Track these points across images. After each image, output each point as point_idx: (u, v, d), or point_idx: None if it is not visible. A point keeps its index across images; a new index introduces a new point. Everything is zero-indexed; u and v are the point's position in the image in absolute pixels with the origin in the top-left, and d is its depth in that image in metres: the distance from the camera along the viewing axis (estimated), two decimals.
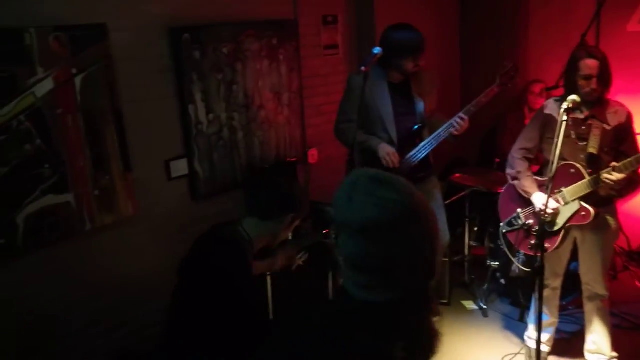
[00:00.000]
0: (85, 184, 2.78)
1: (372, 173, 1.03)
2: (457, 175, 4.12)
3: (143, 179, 3.05)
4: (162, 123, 3.14)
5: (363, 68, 2.77)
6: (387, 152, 3.14)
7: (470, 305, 3.87)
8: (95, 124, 2.79)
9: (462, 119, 3.02)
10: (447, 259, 3.75)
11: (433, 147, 3.19)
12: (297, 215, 2.34)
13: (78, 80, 2.71)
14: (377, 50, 2.86)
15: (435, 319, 1.09)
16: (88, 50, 2.71)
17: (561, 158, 2.58)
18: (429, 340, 1.04)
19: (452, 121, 3.06)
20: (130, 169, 2.96)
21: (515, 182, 2.97)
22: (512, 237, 3.04)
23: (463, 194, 3.92)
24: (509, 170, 3.02)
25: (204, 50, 3.24)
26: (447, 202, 3.64)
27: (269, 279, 3.19)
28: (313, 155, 4.12)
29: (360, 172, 1.04)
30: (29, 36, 2.51)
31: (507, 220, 3.06)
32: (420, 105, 3.23)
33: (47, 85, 2.60)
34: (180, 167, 3.23)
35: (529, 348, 3.22)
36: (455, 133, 3.06)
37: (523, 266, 3.35)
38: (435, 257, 1.03)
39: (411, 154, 3.21)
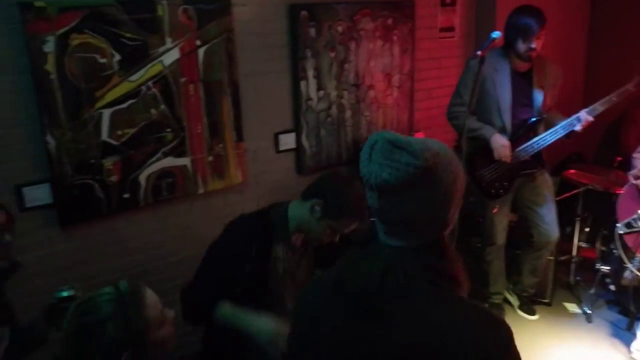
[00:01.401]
0: (201, 149, 2.97)
1: (390, 136, 1.07)
2: (572, 171, 3.89)
3: (253, 149, 3.19)
4: (274, 97, 3.25)
5: (479, 52, 2.69)
6: (501, 144, 3.04)
7: (573, 308, 3.67)
8: (213, 94, 2.96)
9: (585, 119, 2.84)
10: (552, 258, 3.57)
11: (548, 143, 3.04)
12: (324, 207, 1.94)
13: (201, 52, 2.88)
14: (496, 34, 2.75)
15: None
16: (212, 24, 2.87)
17: None
18: (451, 281, 1.09)
19: (572, 119, 2.89)
20: (242, 139, 3.11)
21: (638, 182, 2.76)
22: (629, 240, 2.85)
23: (576, 191, 3.70)
24: (632, 171, 2.81)
25: (320, 28, 3.31)
26: (558, 199, 3.46)
27: None
28: None
29: (380, 134, 1.08)
30: (161, 8, 2.70)
31: (625, 222, 2.86)
32: (540, 98, 3.08)
33: (174, 55, 2.79)
34: (288, 141, 3.35)
35: None
36: (578, 130, 2.88)
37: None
38: (448, 213, 1.09)
39: (522, 147, 3.09)
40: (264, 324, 1.86)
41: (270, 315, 1.91)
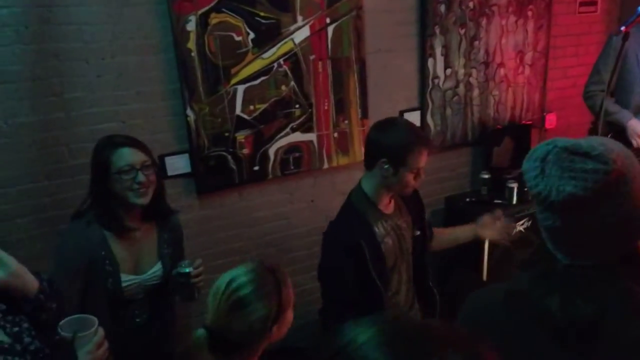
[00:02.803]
0: (327, 126, 3.03)
1: (564, 143, 0.93)
2: None
3: None
4: (401, 74, 3.22)
5: (623, 28, 2.46)
6: (638, 132, 2.80)
7: None
8: (340, 71, 2.99)
9: None
10: None
11: None
12: (390, 161, 1.93)
13: (330, 29, 2.91)
14: None
15: None
16: (342, 1, 2.89)
17: None
18: (623, 308, 0.94)
19: None
20: (367, 116, 3.12)
21: None
22: None
23: None
24: None
25: (450, 4, 3.21)
26: None
27: (486, 244, 3.14)
28: (551, 120, 3.84)
29: (551, 142, 0.95)
30: None
31: None
32: None
33: (304, 33, 2.85)
34: (413, 119, 3.29)
35: None
36: None
37: None
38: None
39: None
40: None
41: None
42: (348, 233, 2.00)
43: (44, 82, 2.39)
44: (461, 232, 2.42)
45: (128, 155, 1.86)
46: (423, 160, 1.96)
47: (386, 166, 1.94)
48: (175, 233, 2.14)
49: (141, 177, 1.86)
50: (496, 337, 1.09)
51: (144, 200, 1.90)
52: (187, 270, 1.94)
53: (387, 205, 2.10)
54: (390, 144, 1.93)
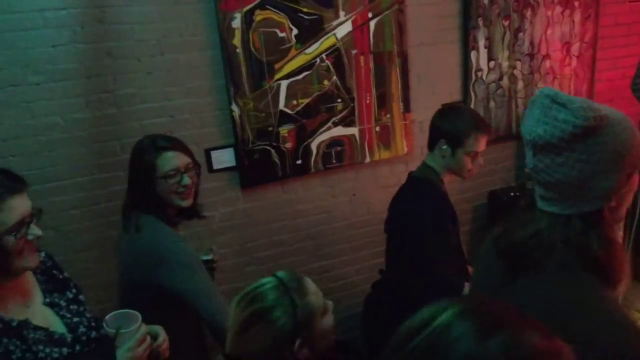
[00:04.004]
0: (369, 120, 3.05)
1: (550, 92, 1.00)
2: None
3: (420, 120, 3.20)
4: (443, 68, 3.21)
5: None
6: None
7: None
8: (382, 65, 3.01)
9: None
10: None
11: None
12: (448, 142, 2.10)
13: (372, 24, 2.93)
14: None
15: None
16: None
17: None
18: (598, 269, 0.99)
19: None
20: (409, 109, 3.13)
21: None
22: None
23: None
24: None
25: None
26: None
27: None
28: None
29: (542, 89, 1.03)
30: None
31: None
32: None
33: (346, 28, 2.88)
34: None
35: None
36: None
37: None
38: (609, 183, 0.99)
39: None
40: None
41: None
42: (435, 203, 2.13)
43: (98, 80, 2.50)
44: None
45: (173, 159, 1.84)
46: (480, 145, 2.09)
47: (444, 147, 2.11)
48: None
49: (187, 180, 1.85)
50: (479, 266, 1.25)
51: (188, 203, 1.90)
52: (210, 257, 2.06)
53: (444, 185, 2.24)
54: (450, 126, 2.10)
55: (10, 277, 1.33)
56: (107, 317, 1.43)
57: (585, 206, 1.01)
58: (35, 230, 1.32)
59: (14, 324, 1.30)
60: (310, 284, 1.32)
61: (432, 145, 2.18)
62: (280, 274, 1.31)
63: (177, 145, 1.89)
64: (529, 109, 1.03)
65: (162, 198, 1.86)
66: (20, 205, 1.28)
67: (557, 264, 1.00)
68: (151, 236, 1.83)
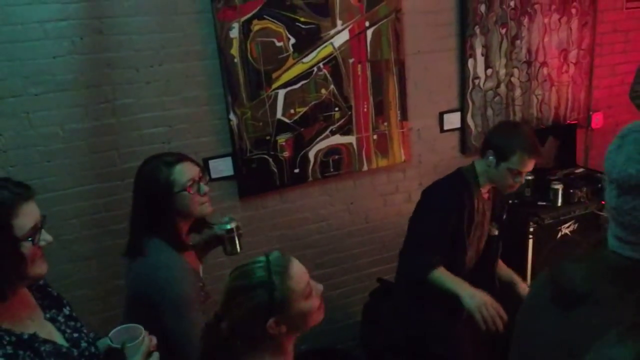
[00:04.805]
0: (367, 128, 3.06)
1: None
2: None
3: (417, 128, 3.21)
4: (440, 76, 3.22)
5: None
6: None
7: None
8: (380, 73, 3.02)
9: None
10: None
11: None
12: (495, 153, 2.17)
13: (369, 33, 2.95)
14: None
15: None
16: (382, 4, 2.92)
17: None
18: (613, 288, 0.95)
19: None
20: (406, 118, 3.14)
21: None
22: None
23: None
24: None
25: (490, 3, 3.19)
26: None
27: (530, 242, 3.11)
28: (597, 119, 3.75)
29: (634, 124, 0.97)
30: None
31: None
32: None
33: (343, 37, 2.90)
34: (453, 120, 3.31)
35: None
36: None
37: None
38: None
39: None
40: (472, 290, 2.01)
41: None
42: (455, 191, 2.24)
43: (97, 90, 2.52)
44: (505, 273, 2.54)
45: (187, 170, 1.82)
46: (525, 165, 2.14)
47: (490, 157, 2.18)
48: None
49: (205, 188, 1.85)
50: (529, 303, 1.15)
51: (211, 209, 1.90)
52: (233, 225, 2.06)
53: (486, 192, 2.33)
54: (500, 140, 2.18)
55: (22, 286, 1.33)
56: (111, 333, 1.45)
57: None
58: (46, 236, 1.32)
59: (25, 337, 1.29)
60: (294, 268, 1.40)
61: (482, 152, 2.26)
62: (272, 255, 1.42)
63: (183, 157, 1.88)
64: (618, 145, 0.96)
65: (182, 212, 1.83)
66: (33, 210, 1.29)
67: (616, 312, 0.94)
68: (155, 262, 1.79)
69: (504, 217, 2.52)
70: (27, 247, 1.26)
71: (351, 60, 2.94)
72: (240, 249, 2.10)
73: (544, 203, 3.24)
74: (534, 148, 2.15)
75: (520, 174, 2.17)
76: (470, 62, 3.24)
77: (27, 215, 1.27)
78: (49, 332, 1.39)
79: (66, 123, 2.50)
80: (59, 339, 1.40)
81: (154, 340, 1.51)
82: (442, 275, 2.10)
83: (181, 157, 1.86)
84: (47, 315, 1.43)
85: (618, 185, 0.95)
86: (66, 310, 1.49)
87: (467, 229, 2.25)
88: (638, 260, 0.97)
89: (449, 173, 2.38)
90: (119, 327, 1.47)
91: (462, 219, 2.22)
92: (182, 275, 1.80)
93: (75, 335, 1.45)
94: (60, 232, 2.57)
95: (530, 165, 2.16)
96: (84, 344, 1.44)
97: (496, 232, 2.45)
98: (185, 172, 1.82)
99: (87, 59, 2.47)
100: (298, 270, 1.41)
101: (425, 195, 2.35)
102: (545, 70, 3.48)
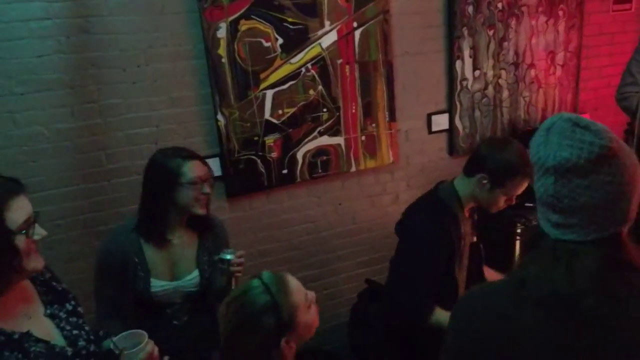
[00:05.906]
0: (355, 129, 3.06)
1: (570, 116, 1.00)
2: None
3: (405, 129, 3.22)
4: (428, 77, 3.23)
5: None
6: None
7: None
8: (368, 74, 3.03)
9: None
10: None
11: None
12: (489, 178, 1.99)
13: (357, 33, 2.95)
14: None
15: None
16: (369, 5, 2.92)
17: None
18: (617, 288, 0.98)
19: None
20: (394, 119, 3.15)
21: None
22: None
23: None
24: None
25: (478, 5, 3.21)
26: None
27: (517, 244, 3.12)
28: None
29: (557, 115, 1.02)
30: None
31: None
32: None
33: (331, 37, 2.89)
34: (441, 122, 3.31)
35: None
36: None
37: None
38: (629, 204, 0.99)
39: None
40: None
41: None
42: (440, 226, 2.06)
43: (83, 90, 2.50)
44: (494, 278, 2.41)
45: (198, 168, 1.98)
46: (521, 189, 2.03)
47: (485, 181, 2.01)
48: (219, 239, 2.19)
49: (208, 189, 2.00)
50: (482, 318, 1.12)
51: (205, 211, 2.02)
52: (229, 257, 2.02)
53: (467, 211, 2.18)
54: (497, 164, 1.99)
55: (18, 281, 1.34)
56: (115, 338, 1.48)
57: (609, 230, 1.00)
58: (41, 230, 1.34)
59: (16, 336, 1.29)
60: (291, 283, 1.41)
61: (470, 172, 2.08)
62: (265, 276, 1.40)
63: (197, 155, 2.03)
64: (543, 136, 1.01)
65: (179, 205, 1.97)
66: (25, 204, 1.32)
67: (612, 283, 0.98)
68: (102, 241, 2.13)
69: (475, 217, 2.34)
70: (21, 240, 1.28)
71: (339, 61, 2.94)
72: (234, 286, 2.03)
73: (530, 204, 3.25)
74: (529, 168, 1.96)
75: (514, 197, 2.06)
76: (458, 63, 3.25)
77: (19, 209, 1.29)
78: (46, 329, 1.39)
79: (51, 123, 2.48)
80: (56, 336, 1.40)
81: (156, 349, 1.52)
82: (440, 318, 2.01)
83: (195, 155, 2.02)
84: (48, 311, 1.43)
85: (555, 170, 0.99)
86: (69, 306, 1.49)
87: (458, 257, 2.15)
88: (580, 241, 1.01)
89: (423, 195, 2.24)
90: (123, 333, 1.50)
91: (452, 253, 2.10)
92: (110, 246, 2.01)
93: (75, 332, 1.45)
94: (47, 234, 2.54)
95: (524, 187, 2.03)
96: (82, 342, 1.44)
97: (474, 239, 2.31)
98: (195, 168, 1.96)
99: (72, 58, 2.45)
100: (295, 283, 1.43)
101: (408, 232, 2.20)
102: (532, 72, 3.51)
